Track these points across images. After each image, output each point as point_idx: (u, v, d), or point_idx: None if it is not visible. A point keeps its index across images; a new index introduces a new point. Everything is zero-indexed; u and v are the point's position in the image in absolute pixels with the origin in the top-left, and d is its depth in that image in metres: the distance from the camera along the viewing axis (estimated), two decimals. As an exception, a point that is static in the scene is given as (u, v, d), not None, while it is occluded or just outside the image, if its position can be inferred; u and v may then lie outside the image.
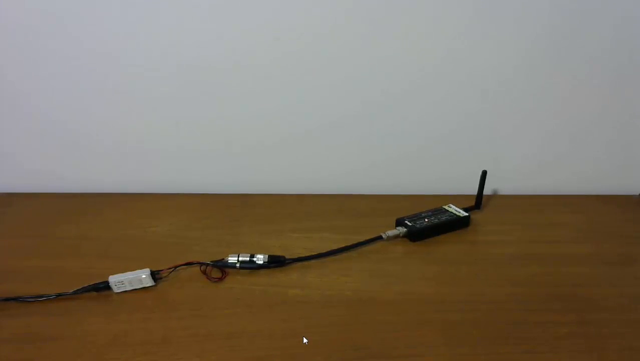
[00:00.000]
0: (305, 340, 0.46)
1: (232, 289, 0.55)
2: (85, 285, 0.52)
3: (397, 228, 0.66)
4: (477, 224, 0.71)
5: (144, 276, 0.53)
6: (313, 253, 0.61)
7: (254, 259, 0.58)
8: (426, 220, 0.67)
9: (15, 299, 0.51)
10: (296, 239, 0.65)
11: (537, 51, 0.72)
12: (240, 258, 0.58)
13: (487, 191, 0.77)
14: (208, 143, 0.76)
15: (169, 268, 0.56)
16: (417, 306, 0.53)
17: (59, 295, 0.52)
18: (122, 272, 0.54)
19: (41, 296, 0.51)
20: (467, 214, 0.69)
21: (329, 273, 0.58)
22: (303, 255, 0.60)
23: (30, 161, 0.76)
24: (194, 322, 0.49)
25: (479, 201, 0.73)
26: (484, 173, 0.71)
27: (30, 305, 0.51)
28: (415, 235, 0.65)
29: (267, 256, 0.58)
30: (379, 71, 0.72)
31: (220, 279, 0.56)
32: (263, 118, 0.75)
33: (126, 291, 0.53)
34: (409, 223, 0.66)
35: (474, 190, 0.73)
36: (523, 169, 0.82)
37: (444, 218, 0.68)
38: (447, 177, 0.81)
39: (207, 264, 0.57)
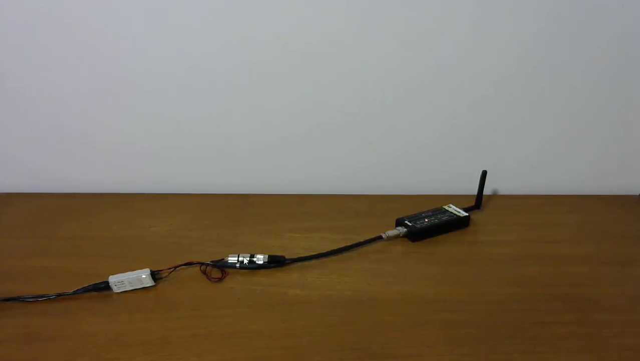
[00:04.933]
0: None
1: (232, 289, 0.55)
2: (85, 285, 0.53)
3: (397, 228, 0.66)
4: (477, 224, 0.71)
5: (144, 276, 0.54)
6: (313, 253, 0.60)
7: (254, 259, 0.58)
8: (426, 220, 0.67)
9: (15, 299, 0.51)
10: (296, 239, 0.65)
11: (537, 51, 0.72)
12: (240, 258, 0.58)
13: (487, 191, 0.77)
14: (208, 143, 0.76)
15: (169, 268, 0.56)
16: (417, 306, 0.53)
17: (59, 295, 0.52)
18: (122, 272, 0.54)
19: (41, 296, 0.51)
20: (467, 214, 0.69)
21: (329, 273, 0.58)
22: (303, 255, 0.60)
23: (30, 161, 0.76)
24: (194, 322, 0.49)
25: (479, 201, 0.73)
26: (484, 173, 0.71)
27: (30, 305, 0.51)
28: (415, 235, 0.65)
29: (267, 256, 0.58)
30: (378, 71, 0.72)
31: (220, 279, 0.56)
32: (263, 118, 0.75)
33: (126, 291, 0.54)
34: (409, 223, 0.66)
35: (474, 190, 0.73)
36: (523, 169, 0.82)
37: (444, 218, 0.68)
38: (447, 177, 0.81)
39: (207, 264, 0.57)
